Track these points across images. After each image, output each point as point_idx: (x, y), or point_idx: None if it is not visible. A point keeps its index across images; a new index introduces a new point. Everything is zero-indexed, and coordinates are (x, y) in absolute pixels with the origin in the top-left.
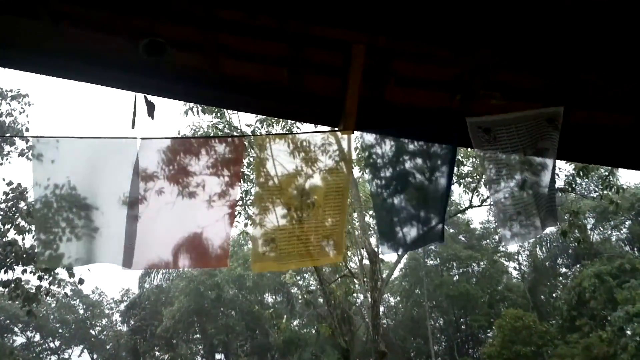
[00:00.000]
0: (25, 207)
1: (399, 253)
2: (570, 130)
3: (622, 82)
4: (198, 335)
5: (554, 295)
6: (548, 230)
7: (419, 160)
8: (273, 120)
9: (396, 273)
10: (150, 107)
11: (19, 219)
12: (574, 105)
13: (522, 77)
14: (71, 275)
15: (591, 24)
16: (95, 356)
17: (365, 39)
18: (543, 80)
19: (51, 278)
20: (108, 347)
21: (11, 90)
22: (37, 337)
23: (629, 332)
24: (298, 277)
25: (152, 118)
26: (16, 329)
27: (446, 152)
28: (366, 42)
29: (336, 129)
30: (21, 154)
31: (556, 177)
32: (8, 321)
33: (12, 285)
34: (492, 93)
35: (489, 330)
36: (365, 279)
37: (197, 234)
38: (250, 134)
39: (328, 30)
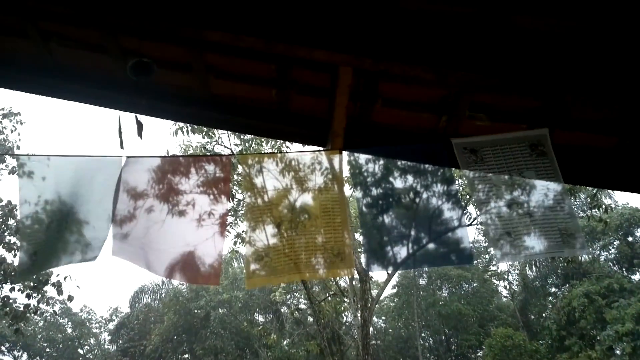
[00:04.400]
0: (15, 224)
1: (389, 272)
2: (555, 151)
3: (606, 104)
4: (187, 356)
5: (543, 314)
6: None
7: (410, 180)
8: (262, 140)
9: (386, 292)
10: (139, 127)
11: (8, 236)
12: (558, 126)
13: (507, 99)
14: (60, 292)
15: (575, 46)
16: None
17: (351, 61)
18: (528, 102)
19: (40, 296)
20: None
21: (3, 109)
22: (25, 357)
23: (618, 352)
24: (288, 296)
25: (141, 137)
26: (3, 348)
27: (439, 172)
28: (352, 64)
29: (324, 148)
30: (12, 172)
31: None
32: None
33: (0, 303)
34: (478, 114)
35: (478, 350)
36: (355, 298)
37: (187, 252)
38: (238, 153)
39: (314, 52)
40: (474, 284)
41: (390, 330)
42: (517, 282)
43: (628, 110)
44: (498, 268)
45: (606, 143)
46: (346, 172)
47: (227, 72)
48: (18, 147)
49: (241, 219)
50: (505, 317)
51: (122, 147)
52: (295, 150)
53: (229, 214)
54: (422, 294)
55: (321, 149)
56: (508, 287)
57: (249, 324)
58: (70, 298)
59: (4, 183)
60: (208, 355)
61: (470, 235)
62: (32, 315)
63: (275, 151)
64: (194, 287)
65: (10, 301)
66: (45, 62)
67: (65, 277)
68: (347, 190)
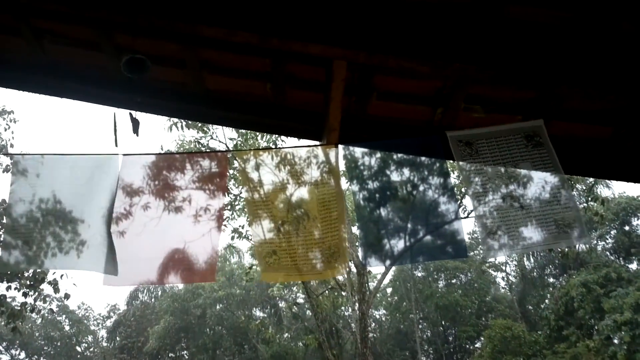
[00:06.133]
0: (10, 223)
1: (386, 265)
2: (551, 142)
3: (601, 95)
4: (185, 352)
5: (541, 305)
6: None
7: (406, 173)
8: (257, 134)
9: (384, 285)
10: (135, 124)
11: (4, 235)
12: (554, 117)
13: (502, 90)
14: (56, 290)
15: (570, 37)
16: None
17: (345, 54)
18: (523, 93)
19: (36, 294)
20: None
21: None
22: (22, 355)
23: (616, 341)
24: (285, 291)
25: (137, 135)
26: (0, 347)
27: (435, 165)
28: (347, 58)
29: (320, 143)
30: (6, 170)
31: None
32: None
33: None
34: (473, 106)
35: (476, 341)
36: (352, 292)
37: (183, 248)
38: (234, 148)
39: (309, 45)
40: (471, 275)
41: (388, 323)
42: (514, 273)
43: (623, 101)
44: (495, 259)
45: (602, 133)
46: (342, 166)
47: (221, 67)
48: (12, 146)
49: (238, 214)
50: (503, 309)
51: (116, 144)
52: (293, 145)
53: (226, 208)
54: (419, 286)
55: (317, 143)
56: (506, 278)
57: (247, 320)
58: (66, 296)
59: None
60: (206, 351)
61: (468, 227)
62: (29, 313)
63: (272, 145)
64: (190, 285)
65: (9, 299)
66: (38, 59)
67: (61, 275)
68: (344, 184)
